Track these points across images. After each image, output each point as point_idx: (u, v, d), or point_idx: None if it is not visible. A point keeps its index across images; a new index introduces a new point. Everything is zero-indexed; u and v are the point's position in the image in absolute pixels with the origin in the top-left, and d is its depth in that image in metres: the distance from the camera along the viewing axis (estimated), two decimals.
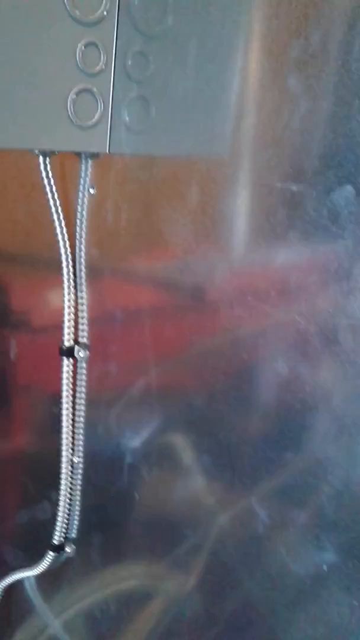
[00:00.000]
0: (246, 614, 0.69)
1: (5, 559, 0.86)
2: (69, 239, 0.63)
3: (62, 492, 0.71)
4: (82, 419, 0.69)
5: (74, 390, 0.68)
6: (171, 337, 0.65)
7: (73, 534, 0.74)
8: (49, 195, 0.61)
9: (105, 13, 0.52)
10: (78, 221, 0.63)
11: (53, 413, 0.97)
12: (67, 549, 0.74)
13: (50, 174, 0.59)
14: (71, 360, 0.67)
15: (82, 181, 0.62)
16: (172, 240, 0.59)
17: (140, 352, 0.65)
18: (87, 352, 0.66)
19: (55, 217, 0.62)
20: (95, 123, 0.55)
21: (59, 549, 0.74)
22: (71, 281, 0.65)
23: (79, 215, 0.63)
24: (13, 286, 1.12)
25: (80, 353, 0.66)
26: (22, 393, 1.06)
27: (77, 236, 0.64)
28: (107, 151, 0.57)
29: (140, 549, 0.77)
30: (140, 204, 0.61)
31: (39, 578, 0.83)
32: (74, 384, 0.68)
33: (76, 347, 0.66)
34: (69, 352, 0.66)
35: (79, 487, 0.72)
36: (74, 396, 0.68)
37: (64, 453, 0.70)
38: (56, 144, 0.55)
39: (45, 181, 0.60)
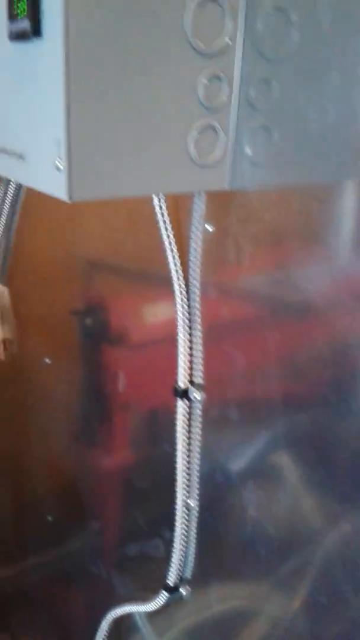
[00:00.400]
0: (352, 636, 0.65)
1: (115, 588, 0.85)
2: (183, 275, 0.60)
3: (177, 535, 0.68)
4: (197, 461, 0.66)
5: (189, 432, 0.65)
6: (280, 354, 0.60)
7: (188, 575, 0.72)
8: (164, 234, 0.57)
9: (228, 41, 0.48)
10: (192, 258, 0.59)
11: (153, 432, 0.95)
12: (183, 591, 0.71)
13: (165, 214, 0.56)
14: (186, 401, 0.63)
15: (196, 217, 0.58)
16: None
17: (255, 379, 0.62)
18: (203, 394, 0.63)
19: (170, 255, 0.58)
20: (217, 160, 0.51)
21: (173, 589, 0.71)
22: (186, 320, 0.61)
23: (192, 252, 0.59)
24: (114, 302, 1.11)
25: (195, 395, 0.63)
26: (123, 410, 1.05)
27: (191, 272, 0.60)
28: (229, 188, 0.52)
29: (244, 568, 0.75)
30: (265, 242, 0.57)
31: None
32: (189, 425, 0.65)
33: (191, 389, 0.63)
34: (184, 394, 0.63)
35: (194, 530, 0.69)
36: (189, 437, 0.65)
37: (179, 496, 0.67)
38: (175, 187, 0.51)
39: (160, 221, 0.56)
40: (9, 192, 0.97)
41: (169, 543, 0.73)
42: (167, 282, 0.90)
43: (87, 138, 0.43)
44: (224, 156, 0.51)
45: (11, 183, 0.96)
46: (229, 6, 0.46)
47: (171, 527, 0.71)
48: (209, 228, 0.58)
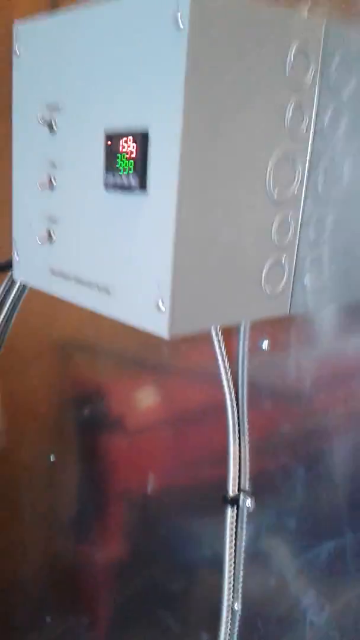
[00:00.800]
0: None
1: None
2: (234, 390, 0.64)
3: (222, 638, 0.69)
4: (241, 566, 0.68)
5: (236, 538, 0.67)
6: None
7: None
8: (218, 352, 0.61)
9: (296, 191, 0.54)
10: (240, 375, 0.63)
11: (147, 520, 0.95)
12: None
13: (219, 333, 0.60)
14: (235, 509, 0.66)
15: (242, 337, 0.62)
16: None
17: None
18: (253, 501, 0.66)
19: (223, 373, 0.62)
20: (281, 291, 0.56)
21: None
22: (236, 431, 0.65)
23: (240, 369, 0.63)
24: (111, 390, 1.12)
25: (247, 502, 0.65)
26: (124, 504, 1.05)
27: (240, 385, 0.64)
28: (289, 314, 0.57)
29: None
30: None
31: None
32: (237, 530, 0.67)
33: (242, 496, 0.66)
34: (234, 502, 0.66)
35: (236, 632, 0.70)
36: (235, 543, 0.67)
37: (225, 600, 0.68)
38: (249, 315, 0.55)
39: (215, 341, 0.60)
40: (14, 287, 0.99)
41: None
42: (159, 367, 0.93)
43: (189, 282, 0.48)
44: (287, 286, 0.56)
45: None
46: (299, 163, 0.53)
47: (209, 629, 0.72)
48: (265, 346, 0.62)
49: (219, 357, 0.60)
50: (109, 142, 0.49)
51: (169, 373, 0.96)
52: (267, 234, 0.53)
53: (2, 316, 1.03)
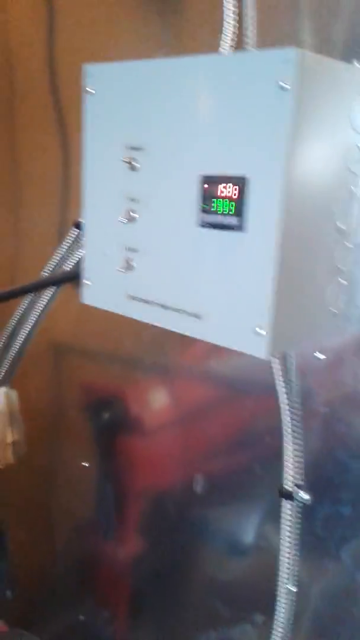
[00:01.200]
0: None
1: None
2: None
3: (279, 618, 0.77)
4: (297, 553, 0.75)
5: (291, 530, 0.74)
6: None
7: None
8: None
9: (354, 222, 0.61)
10: (293, 379, 0.71)
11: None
12: None
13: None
14: (292, 503, 0.73)
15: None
16: None
17: None
18: (309, 496, 0.73)
19: (278, 373, 0.70)
20: (348, 308, 0.64)
21: None
22: (293, 427, 0.72)
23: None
24: (128, 391, 1.17)
25: (302, 496, 0.73)
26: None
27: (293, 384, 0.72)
28: (346, 333, 0.65)
29: None
30: None
31: None
32: (292, 523, 0.74)
33: (297, 491, 0.73)
34: (289, 496, 0.73)
35: (291, 614, 0.78)
36: (290, 534, 0.75)
37: (281, 582, 0.76)
38: (321, 336, 0.62)
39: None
40: (40, 302, 1.03)
41: (262, 627, 0.81)
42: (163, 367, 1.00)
43: (282, 309, 0.54)
44: (349, 306, 0.64)
45: (44, 295, 1.02)
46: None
47: (264, 611, 0.80)
48: (320, 355, 0.70)
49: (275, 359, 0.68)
50: (206, 185, 0.55)
51: (174, 372, 1.03)
52: (333, 260, 0.61)
53: (28, 328, 1.07)
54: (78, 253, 0.92)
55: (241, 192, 0.53)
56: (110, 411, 1.20)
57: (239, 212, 0.53)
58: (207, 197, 0.55)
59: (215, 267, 0.57)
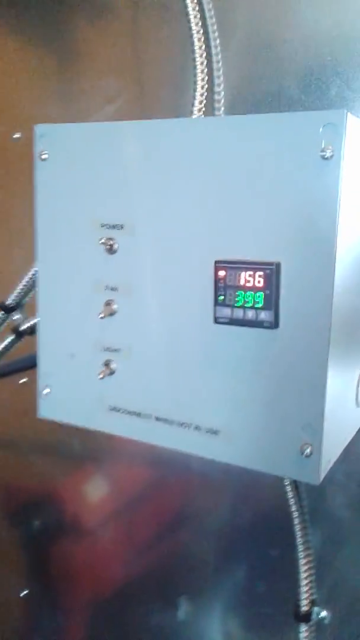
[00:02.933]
0: None
1: None
2: None
3: None
4: None
5: None
6: None
7: None
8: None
9: None
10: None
11: None
12: None
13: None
14: (309, 625, 0.62)
15: None
16: None
17: None
18: (327, 613, 0.62)
19: (289, 485, 0.59)
20: None
21: None
22: (305, 541, 0.61)
23: None
24: (59, 487, 1.01)
25: (321, 614, 0.62)
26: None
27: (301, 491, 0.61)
28: None
29: None
30: None
31: None
32: None
33: (316, 610, 0.62)
34: (307, 618, 0.62)
35: None
36: None
37: None
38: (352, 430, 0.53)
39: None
40: None
41: None
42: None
43: (331, 424, 0.44)
44: None
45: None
46: None
47: None
48: None
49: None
50: (222, 274, 0.44)
51: (110, 454, 0.90)
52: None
53: None
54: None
55: (274, 281, 0.42)
56: (40, 516, 1.02)
57: (271, 306, 0.42)
58: (223, 287, 0.44)
59: (235, 373, 0.45)
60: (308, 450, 0.43)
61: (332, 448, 0.46)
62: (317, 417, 0.42)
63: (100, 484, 0.96)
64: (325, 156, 0.39)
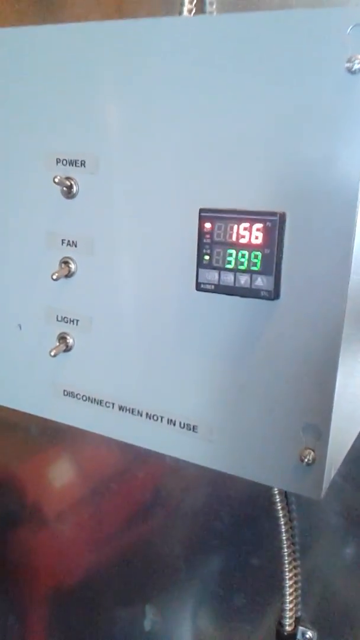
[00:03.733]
0: None
1: None
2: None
3: None
4: None
5: None
6: None
7: None
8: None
9: None
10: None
11: None
12: None
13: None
14: None
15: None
16: None
17: None
18: (313, 633, 0.54)
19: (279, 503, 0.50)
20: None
21: None
22: (291, 559, 0.52)
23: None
24: (17, 471, 0.92)
25: (308, 634, 0.54)
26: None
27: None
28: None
29: None
30: None
31: None
32: None
33: (301, 629, 0.54)
34: (292, 638, 0.53)
35: None
36: None
37: None
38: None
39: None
40: None
41: None
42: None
43: (336, 428, 0.34)
44: None
45: None
46: None
47: None
48: None
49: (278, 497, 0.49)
50: (208, 226, 0.33)
51: (73, 436, 0.81)
52: None
53: None
54: None
55: (277, 236, 0.32)
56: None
57: (267, 267, 0.32)
58: (210, 244, 0.34)
59: (219, 353, 0.35)
60: (310, 457, 0.33)
61: (336, 455, 0.37)
62: (323, 417, 0.33)
63: (61, 470, 0.87)
64: (353, 69, 0.29)
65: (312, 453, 0.33)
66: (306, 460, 0.33)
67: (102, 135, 0.37)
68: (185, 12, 0.46)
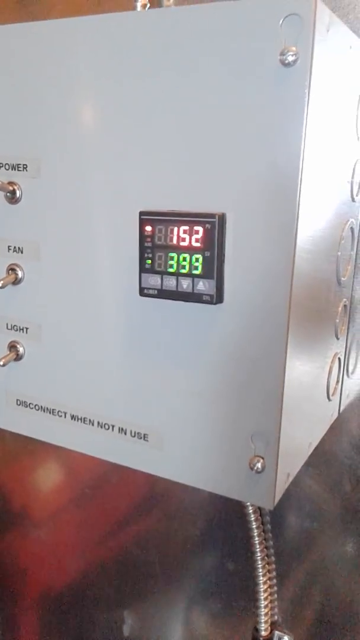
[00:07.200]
0: None
1: None
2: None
3: None
4: None
5: None
6: None
7: None
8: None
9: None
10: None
11: None
12: None
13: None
14: None
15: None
16: None
17: None
18: (290, 637, 0.53)
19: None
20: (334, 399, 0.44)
21: None
22: (266, 567, 0.51)
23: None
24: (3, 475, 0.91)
25: (283, 639, 0.53)
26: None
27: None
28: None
29: None
30: None
31: None
32: None
33: (277, 634, 0.53)
34: None
35: None
36: None
37: None
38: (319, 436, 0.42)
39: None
40: None
41: None
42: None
43: (287, 432, 0.33)
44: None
45: None
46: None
47: None
48: None
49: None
50: (148, 229, 0.32)
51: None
52: (335, 327, 0.41)
53: None
54: None
55: (216, 238, 0.31)
56: None
57: (208, 271, 0.31)
58: (151, 248, 0.33)
59: (166, 360, 0.34)
60: (259, 465, 0.32)
61: (294, 459, 0.36)
62: (270, 423, 0.32)
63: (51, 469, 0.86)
64: (287, 61, 0.28)
65: (261, 461, 0.32)
66: (255, 468, 0.32)
67: (42, 138, 0.36)
68: (139, 7, 0.44)
